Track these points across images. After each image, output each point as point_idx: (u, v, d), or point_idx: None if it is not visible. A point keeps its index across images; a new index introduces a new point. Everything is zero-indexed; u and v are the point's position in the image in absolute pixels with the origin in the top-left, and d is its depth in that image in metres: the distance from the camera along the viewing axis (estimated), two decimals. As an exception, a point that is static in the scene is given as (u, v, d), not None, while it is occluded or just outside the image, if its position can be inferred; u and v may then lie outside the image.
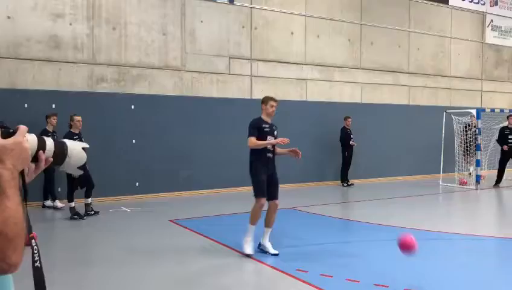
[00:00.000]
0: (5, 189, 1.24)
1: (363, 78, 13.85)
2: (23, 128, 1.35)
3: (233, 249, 6.20)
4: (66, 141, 1.53)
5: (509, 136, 12.22)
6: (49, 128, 8.96)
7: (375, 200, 10.59)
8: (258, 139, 5.87)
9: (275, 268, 5.38)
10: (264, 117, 6.10)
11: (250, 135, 5.91)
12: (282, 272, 5.24)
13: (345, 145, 12.63)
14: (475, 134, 12.51)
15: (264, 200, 5.84)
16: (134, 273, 5.33)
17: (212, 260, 5.85)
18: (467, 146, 13.46)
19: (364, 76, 13.87)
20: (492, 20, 16.61)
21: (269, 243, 5.93)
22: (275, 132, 6.08)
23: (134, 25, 10.47)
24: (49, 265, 5.39)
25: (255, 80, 12.05)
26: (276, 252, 5.87)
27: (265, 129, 5.96)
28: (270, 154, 5.96)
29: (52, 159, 1.46)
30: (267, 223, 5.99)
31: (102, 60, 10.17)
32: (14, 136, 1.31)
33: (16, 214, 1.24)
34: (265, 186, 5.86)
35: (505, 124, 12.90)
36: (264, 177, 5.88)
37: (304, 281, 4.87)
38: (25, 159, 1.33)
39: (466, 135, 13.54)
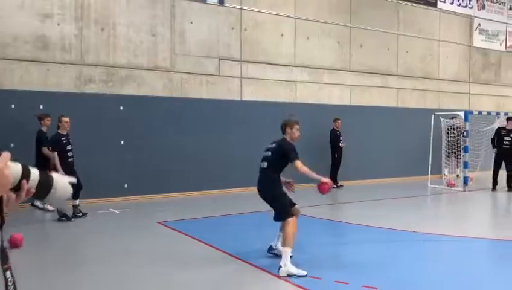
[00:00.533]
0: None
1: (352, 80, 13.91)
2: (4, 155, 1.33)
3: (221, 250, 6.17)
4: (53, 173, 1.49)
5: (505, 138, 12.26)
6: (44, 129, 8.84)
7: (364, 202, 10.64)
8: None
9: (259, 268, 5.37)
10: (290, 141, 5.74)
11: (298, 158, 5.51)
12: (268, 272, 5.22)
13: (335, 147, 12.67)
14: (464, 136, 12.60)
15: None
16: (122, 275, 5.29)
17: (199, 261, 5.82)
18: (452, 148, 13.62)
19: (354, 78, 13.93)
20: (479, 24, 16.79)
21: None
22: None
23: (123, 26, 10.41)
24: (36, 267, 5.33)
25: (244, 82, 12.04)
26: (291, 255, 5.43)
27: None
28: None
29: (34, 190, 1.41)
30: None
31: (90, 61, 10.09)
32: None
33: None
34: None
35: (494, 126, 13.01)
36: (287, 196, 5.67)
37: (291, 283, 4.87)
38: (3, 186, 1.30)
39: (449, 137, 13.71)
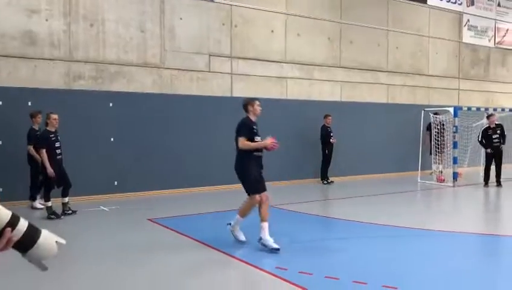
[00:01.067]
0: None
1: (343, 77, 13.94)
2: None
3: (211, 247, 6.16)
4: (44, 230, 1.44)
5: (493, 136, 12.23)
6: (36, 127, 8.76)
7: (355, 198, 10.67)
8: (248, 140, 5.94)
9: (253, 266, 5.36)
10: (252, 118, 6.15)
11: (243, 135, 5.93)
12: (261, 269, 5.23)
13: (325, 143, 12.70)
14: (453, 132, 12.67)
15: (260, 197, 5.95)
16: (110, 272, 5.26)
17: (189, 258, 5.81)
18: (440, 144, 13.79)
19: (344, 74, 13.96)
20: (468, 20, 16.89)
21: (271, 238, 5.88)
22: (258, 131, 6.17)
23: (112, 22, 10.32)
24: (24, 266, 5.27)
25: (235, 78, 12.01)
26: (278, 246, 5.81)
27: (254, 130, 6.07)
28: (260, 153, 6.12)
29: (15, 239, 1.37)
30: (265, 218, 5.95)
31: (79, 57, 10.00)
32: None
33: None
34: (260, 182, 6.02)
35: (483, 121, 13.12)
36: (257, 173, 6.04)
37: (282, 279, 4.87)
38: None
39: (430, 134, 13.91)
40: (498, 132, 12.20)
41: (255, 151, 6.02)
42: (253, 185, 5.95)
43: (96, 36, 10.15)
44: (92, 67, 10.14)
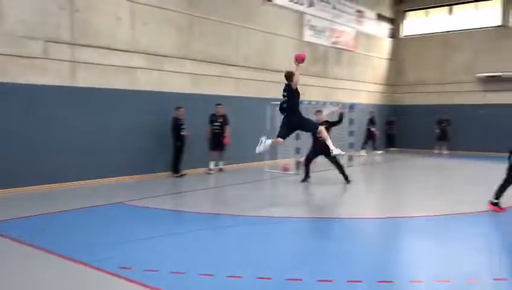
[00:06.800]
0: None
1: (192, 69, 13.88)
2: None
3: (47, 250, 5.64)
4: None
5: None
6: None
7: (212, 189, 10.73)
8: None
9: (96, 268, 5.03)
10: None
11: None
12: (102, 270, 4.91)
13: (177, 136, 12.54)
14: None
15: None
16: None
17: (22, 265, 5.24)
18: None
19: (193, 66, 13.91)
20: (309, 20, 18.21)
21: None
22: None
23: None
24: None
25: (78, 66, 11.14)
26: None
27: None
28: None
29: None
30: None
31: None
32: None
33: None
34: None
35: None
36: None
37: (128, 280, 4.65)
38: None
39: (213, 126, 13.53)
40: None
41: None
42: None
43: None
44: None
